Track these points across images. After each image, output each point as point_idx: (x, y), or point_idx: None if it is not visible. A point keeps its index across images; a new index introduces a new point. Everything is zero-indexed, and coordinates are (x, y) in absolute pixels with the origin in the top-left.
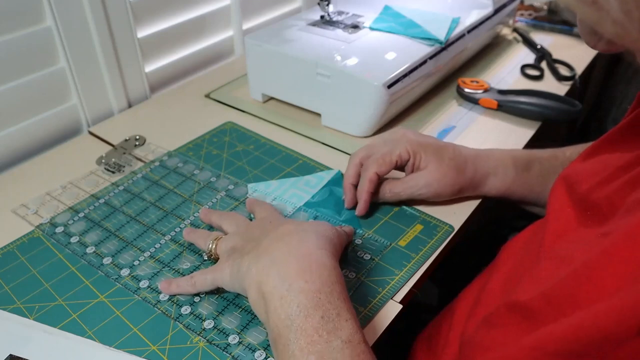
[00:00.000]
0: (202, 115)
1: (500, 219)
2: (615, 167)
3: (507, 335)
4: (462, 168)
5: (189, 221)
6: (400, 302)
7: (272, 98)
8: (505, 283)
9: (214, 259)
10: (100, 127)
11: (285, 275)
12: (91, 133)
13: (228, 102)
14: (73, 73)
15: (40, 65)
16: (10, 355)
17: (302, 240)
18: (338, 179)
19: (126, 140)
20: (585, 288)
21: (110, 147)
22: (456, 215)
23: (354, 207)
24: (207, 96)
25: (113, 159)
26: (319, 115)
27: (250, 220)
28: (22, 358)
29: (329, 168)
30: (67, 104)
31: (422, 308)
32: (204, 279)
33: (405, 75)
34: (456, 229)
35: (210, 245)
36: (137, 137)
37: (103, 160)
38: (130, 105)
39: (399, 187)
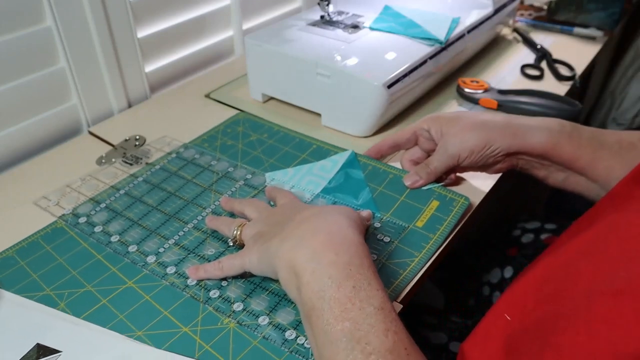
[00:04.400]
0: (202, 116)
1: (511, 219)
2: None
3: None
4: (486, 122)
5: (210, 209)
6: (400, 302)
7: (272, 98)
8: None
9: (238, 245)
10: (100, 127)
11: (314, 250)
12: (91, 133)
13: (228, 102)
14: (73, 73)
15: (40, 65)
16: (38, 344)
17: (327, 220)
18: (352, 160)
19: (126, 140)
20: None
21: (110, 147)
22: (473, 190)
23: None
24: (207, 96)
25: (130, 153)
26: (319, 115)
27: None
28: (49, 347)
29: (343, 149)
30: (67, 104)
31: (423, 309)
32: (232, 263)
33: (405, 75)
34: (477, 203)
35: (235, 232)
36: (137, 137)
37: (103, 160)
38: (130, 105)
39: (433, 162)
